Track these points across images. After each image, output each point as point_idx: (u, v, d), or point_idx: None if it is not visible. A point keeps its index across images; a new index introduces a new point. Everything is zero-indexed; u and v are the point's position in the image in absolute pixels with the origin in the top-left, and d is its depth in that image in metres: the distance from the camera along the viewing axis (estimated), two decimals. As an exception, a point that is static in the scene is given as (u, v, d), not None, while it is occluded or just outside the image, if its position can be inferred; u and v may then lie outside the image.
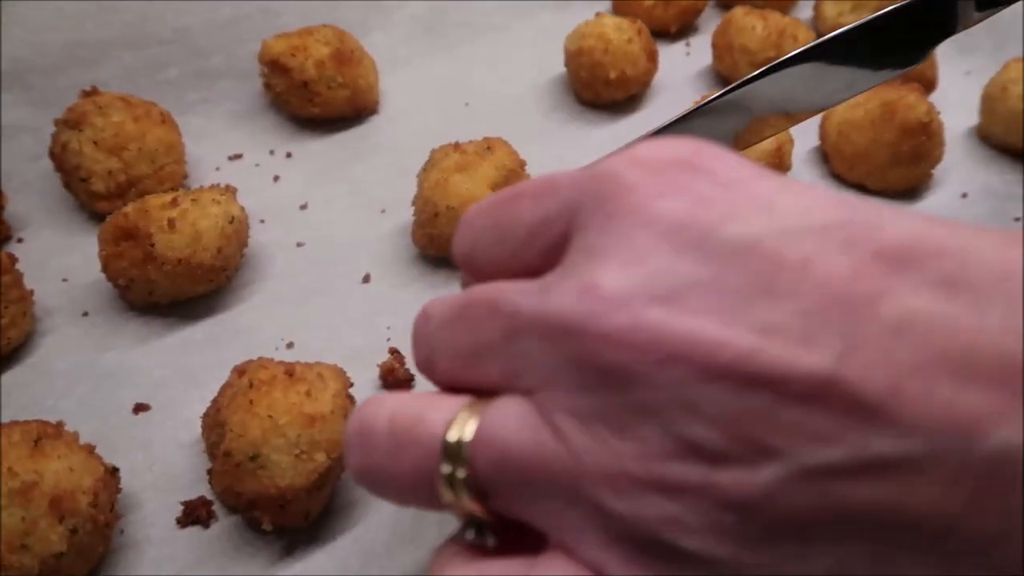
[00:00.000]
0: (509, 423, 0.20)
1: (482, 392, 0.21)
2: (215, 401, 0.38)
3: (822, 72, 0.31)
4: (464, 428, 0.20)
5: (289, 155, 0.57)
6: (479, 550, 0.22)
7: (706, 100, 0.32)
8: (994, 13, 0.32)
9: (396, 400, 0.22)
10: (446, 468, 0.20)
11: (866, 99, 0.54)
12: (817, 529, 0.17)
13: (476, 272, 0.24)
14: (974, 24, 0.32)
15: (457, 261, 0.25)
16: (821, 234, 0.17)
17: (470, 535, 0.21)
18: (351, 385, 0.39)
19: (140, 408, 0.42)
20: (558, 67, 0.64)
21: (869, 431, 0.16)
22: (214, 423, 0.37)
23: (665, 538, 0.17)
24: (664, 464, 0.17)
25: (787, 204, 0.18)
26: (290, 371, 0.36)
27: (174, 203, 0.44)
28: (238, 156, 0.57)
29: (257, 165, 0.56)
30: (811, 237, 0.17)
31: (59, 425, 0.36)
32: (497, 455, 0.20)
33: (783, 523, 0.17)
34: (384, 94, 0.62)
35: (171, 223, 0.43)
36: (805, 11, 0.74)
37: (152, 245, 0.43)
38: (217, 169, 0.56)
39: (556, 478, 0.19)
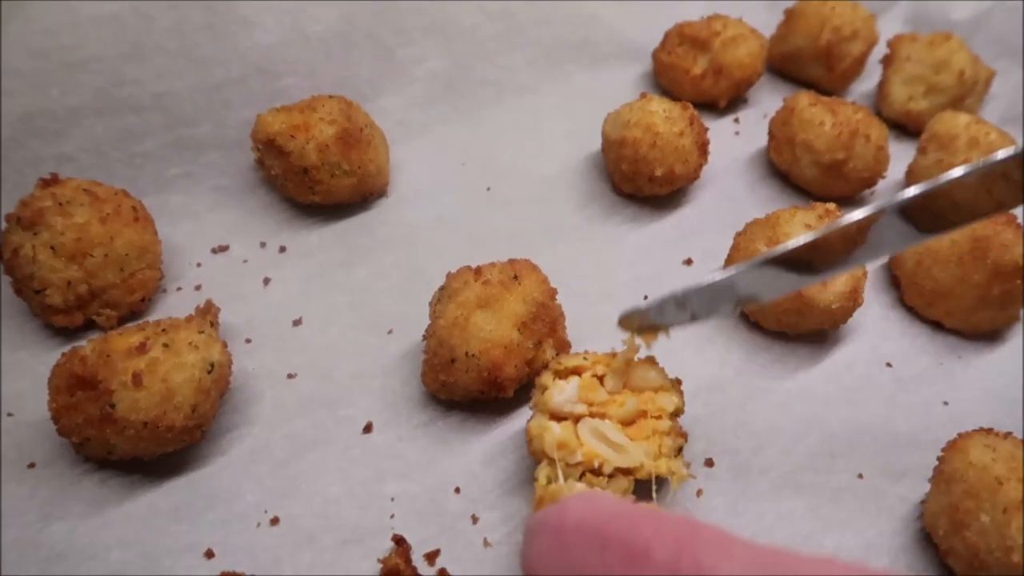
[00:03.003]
0: None
1: None
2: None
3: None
4: None
5: (283, 249, 0.49)
6: None
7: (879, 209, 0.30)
8: None
9: None
10: None
11: (954, 231, 0.47)
12: None
13: None
14: None
15: None
16: None
17: None
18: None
19: (90, 608, 0.35)
20: (592, 142, 0.56)
21: None
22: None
23: None
24: None
25: None
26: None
27: (142, 349, 0.37)
28: (223, 248, 0.49)
29: (245, 261, 0.48)
30: None
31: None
32: None
33: None
34: (395, 168, 0.54)
35: (136, 378, 0.36)
36: (867, 83, 0.66)
37: (112, 406, 0.35)
38: (198, 265, 0.48)
39: None
